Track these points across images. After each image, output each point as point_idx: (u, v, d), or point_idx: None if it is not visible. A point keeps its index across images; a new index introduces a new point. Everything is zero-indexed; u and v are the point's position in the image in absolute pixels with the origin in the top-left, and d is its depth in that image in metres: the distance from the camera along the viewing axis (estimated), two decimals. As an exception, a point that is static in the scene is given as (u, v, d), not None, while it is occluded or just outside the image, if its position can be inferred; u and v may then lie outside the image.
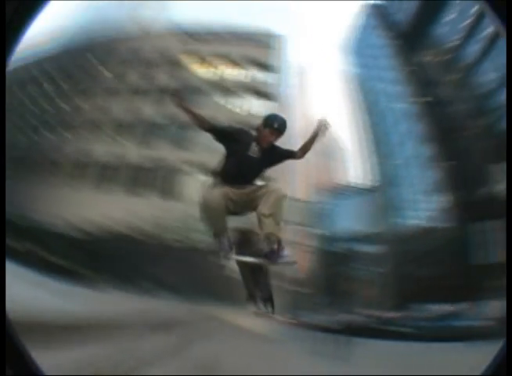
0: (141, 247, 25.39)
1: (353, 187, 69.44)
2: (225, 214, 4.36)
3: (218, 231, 4.41)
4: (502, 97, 28.11)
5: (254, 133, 4.56)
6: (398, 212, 41.78)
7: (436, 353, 13.19)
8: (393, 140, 42.73)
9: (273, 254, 4.35)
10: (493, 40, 26.16)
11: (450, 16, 32.74)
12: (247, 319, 14.25)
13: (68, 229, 24.72)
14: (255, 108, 34.87)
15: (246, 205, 4.44)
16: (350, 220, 62.80)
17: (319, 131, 4.65)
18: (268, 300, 4.97)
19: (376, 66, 45.46)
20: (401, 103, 39.15)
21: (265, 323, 16.46)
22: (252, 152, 4.45)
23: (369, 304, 46.66)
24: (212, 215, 4.30)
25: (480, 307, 16.05)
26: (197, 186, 30.35)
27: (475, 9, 27.93)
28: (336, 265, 58.31)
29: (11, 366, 1.95)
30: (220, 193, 4.26)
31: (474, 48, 29.92)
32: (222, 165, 4.55)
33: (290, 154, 4.83)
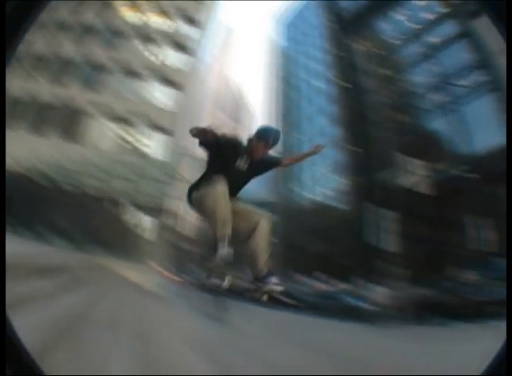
0: (38, 189, 24.32)
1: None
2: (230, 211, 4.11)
3: (223, 233, 4.06)
4: (428, 100, 30.12)
5: (244, 144, 4.37)
6: (298, 185, 43.04)
7: (313, 328, 13.72)
8: (303, 115, 43.67)
9: (264, 280, 4.37)
10: (438, 48, 27.35)
11: (401, 16, 33.50)
12: (135, 272, 14.21)
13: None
14: (171, 59, 34.85)
15: (237, 222, 4.23)
16: (247, 186, 64.62)
17: (314, 153, 4.68)
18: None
19: (306, 43, 45.75)
20: (320, 81, 40.16)
21: (152, 279, 16.56)
22: (241, 165, 4.29)
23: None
24: (221, 211, 3.99)
25: (366, 290, 16.93)
26: (100, 131, 29.48)
27: (432, 16, 29.02)
28: None
29: (11, 367, 1.90)
30: (224, 188, 4.03)
31: (414, 51, 31.14)
32: (206, 177, 4.24)
33: (276, 163, 4.78)
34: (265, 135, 4.27)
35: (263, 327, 13.41)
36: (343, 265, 32.33)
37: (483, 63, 28.48)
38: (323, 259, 36.27)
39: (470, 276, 12.15)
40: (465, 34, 29.38)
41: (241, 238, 4.30)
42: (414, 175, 14.86)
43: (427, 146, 30.06)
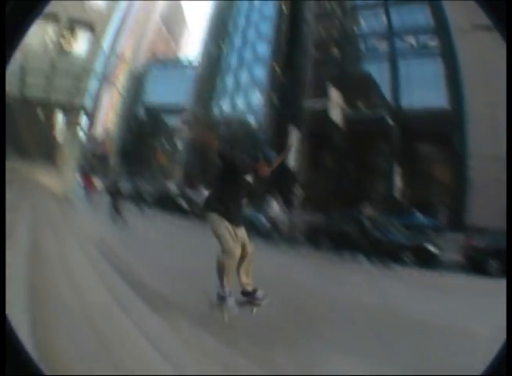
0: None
1: (182, 63, 70.56)
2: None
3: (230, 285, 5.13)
4: (371, 46, 30.63)
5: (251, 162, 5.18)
6: (219, 97, 42.64)
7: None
8: (242, 39, 41.88)
9: (251, 296, 5.30)
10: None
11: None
12: (48, 176, 14.04)
13: None
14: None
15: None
16: (170, 94, 63.57)
17: (288, 150, 5.25)
18: None
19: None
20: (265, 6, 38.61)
21: (64, 182, 16.32)
22: (248, 179, 5.14)
23: (168, 176, 49.79)
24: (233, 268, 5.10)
25: (268, 207, 17.15)
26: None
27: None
28: (144, 135, 60.09)
29: (11, 366, 1.89)
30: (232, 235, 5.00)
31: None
32: (217, 192, 5.16)
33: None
34: (269, 157, 5.23)
35: (161, 232, 14.03)
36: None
37: (438, 29, 28.79)
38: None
39: (371, 211, 13.12)
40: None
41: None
42: (339, 108, 15.47)
43: (359, 86, 30.36)
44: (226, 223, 4.88)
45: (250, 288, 5.34)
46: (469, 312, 7.16)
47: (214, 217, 4.90)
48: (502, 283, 10.25)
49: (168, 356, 4.29)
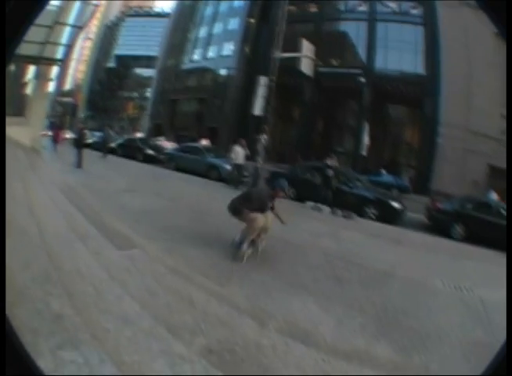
0: None
1: (156, 14, 70.64)
2: None
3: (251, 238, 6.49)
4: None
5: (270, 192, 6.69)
6: (193, 47, 42.64)
7: (169, 179, 14.34)
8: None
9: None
10: None
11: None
12: (16, 127, 13.51)
13: None
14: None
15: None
16: (142, 45, 63.67)
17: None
18: None
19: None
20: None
21: (33, 136, 15.91)
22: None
23: (136, 126, 52.68)
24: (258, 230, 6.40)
25: (228, 152, 16.94)
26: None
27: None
28: (114, 86, 60.30)
29: (11, 366, 1.82)
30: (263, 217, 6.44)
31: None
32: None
33: None
34: (283, 187, 6.71)
35: (121, 175, 13.83)
36: (212, 128, 34.49)
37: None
38: (195, 118, 38.73)
39: (337, 164, 12.84)
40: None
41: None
42: (311, 62, 15.08)
43: (334, 43, 30.91)
44: (260, 215, 6.34)
45: (257, 239, 6.67)
46: (428, 268, 7.20)
47: (255, 214, 6.32)
48: (462, 247, 10.47)
49: (125, 286, 4.36)
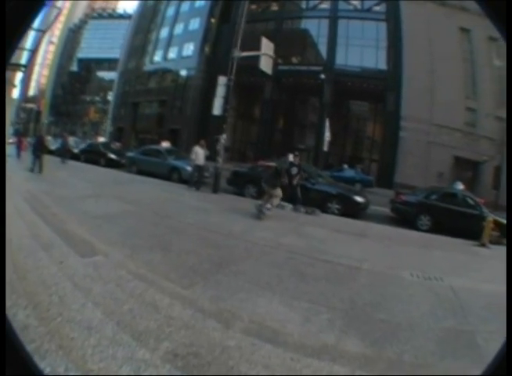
0: None
1: (118, 16, 70.61)
2: None
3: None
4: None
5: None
6: (154, 49, 42.45)
7: (132, 183, 14.15)
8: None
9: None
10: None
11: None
12: None
13: None
14: None
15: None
16: (105, 48, 63.50)
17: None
18: None
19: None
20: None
21: None
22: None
23: (98, 130, 51.79)
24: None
25: (187, 153, 16.97)
26: None
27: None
28: (77, 90, 61.27)
29: (11, 367, 1.72)
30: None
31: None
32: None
33: None
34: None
35: (83, 181, 13.55)
36: (174, 130, 34.21)
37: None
38: (156, 120, 38.28)
39: (299, 162, 12.74)
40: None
41: None
42: (270, 60, 14.89)
43: (294, 41, 30.83)
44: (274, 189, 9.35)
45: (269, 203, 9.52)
46: (396, 260, 7.13)
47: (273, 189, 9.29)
48: (429, 237, 10.48)
49: (88, 294, 4.26)
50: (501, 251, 9.41)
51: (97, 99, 58.90)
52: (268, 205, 9.45)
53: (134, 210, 9.17)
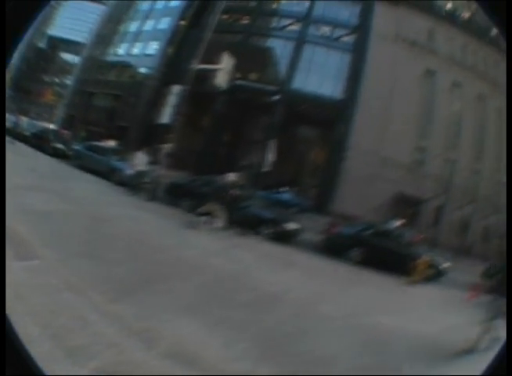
0: None
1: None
2: None
3: None
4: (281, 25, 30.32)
5: None
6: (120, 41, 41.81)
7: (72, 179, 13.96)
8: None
9: None
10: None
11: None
12: None
13: None
14: None
15: None
16: (74, 31, 61.89)
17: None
18: None
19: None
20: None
21: None
22: None
23: (50, 115, 49.22)
24: None
25: (132, 157, 16.79)
26: None
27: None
28: (39, 68, 57.67)
29: (11, 366, 1.84)
30: None
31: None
32: None
33: None
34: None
35: (26, 169, 13.19)
36: (121, 127, 33.44)
37: (359, 29, 29.49)
38: (108, 114, 37.20)
39: (237, 180, 12.85)
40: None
41: None
42: (227, 74, 15.02)
43: (256, 57, 30.89)
44: (212, 205, 7.11)
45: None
46: (320, 293, 7.29)
47: (211, 205, 7.22)
48: (357, 271, 10.77)
49: (27, 304, 4.26)
50: (429, 290, 9.72)
51: (56, 80, 56.91)
52: (204, 220, 9.39)
53: (72, 210, 9.15)
